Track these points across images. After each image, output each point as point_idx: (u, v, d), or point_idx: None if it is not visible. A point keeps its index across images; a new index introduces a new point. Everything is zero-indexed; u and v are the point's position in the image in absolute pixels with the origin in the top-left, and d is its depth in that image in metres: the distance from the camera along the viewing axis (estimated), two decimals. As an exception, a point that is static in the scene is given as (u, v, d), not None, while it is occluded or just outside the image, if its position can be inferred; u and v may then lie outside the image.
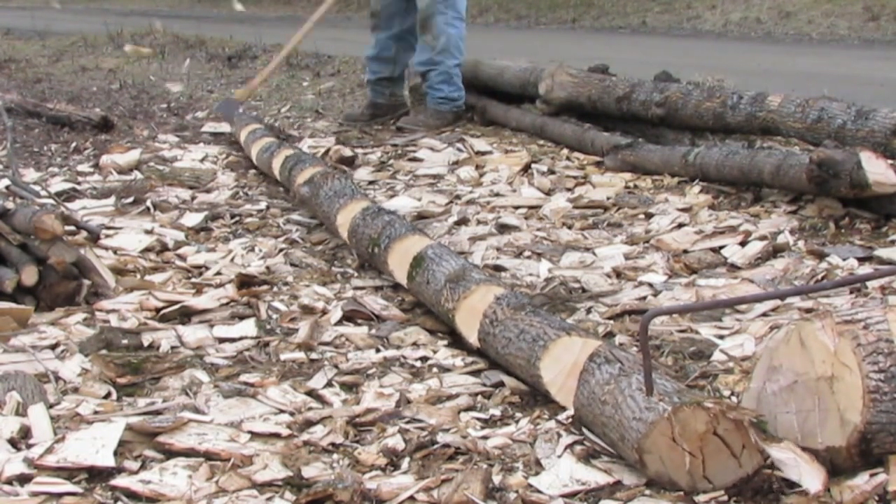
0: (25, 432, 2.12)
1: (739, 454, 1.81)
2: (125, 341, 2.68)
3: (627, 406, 1.88)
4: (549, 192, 4.32)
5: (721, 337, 2.58)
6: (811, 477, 1.73)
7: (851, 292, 2.78)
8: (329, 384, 2.44)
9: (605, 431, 1.96)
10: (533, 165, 4.72)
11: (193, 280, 3.32)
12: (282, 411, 2.27)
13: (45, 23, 13.79)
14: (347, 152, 5.18)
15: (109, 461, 1.98)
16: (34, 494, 1.88)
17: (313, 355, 2.64)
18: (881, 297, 2.70)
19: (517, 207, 4.10)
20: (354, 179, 4.54)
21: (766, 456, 1.79)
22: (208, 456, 2.03)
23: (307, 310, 2.97)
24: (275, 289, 3.17)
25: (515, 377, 2.38)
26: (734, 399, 2.13)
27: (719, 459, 1.80)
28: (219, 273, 3.37)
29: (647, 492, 1.84)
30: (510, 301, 2.47)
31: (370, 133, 5.88)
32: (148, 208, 4.21)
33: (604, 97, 5.04)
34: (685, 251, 3.37)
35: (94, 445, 2.01)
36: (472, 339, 2.53)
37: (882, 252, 3.13)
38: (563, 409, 2.16)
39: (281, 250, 3.63)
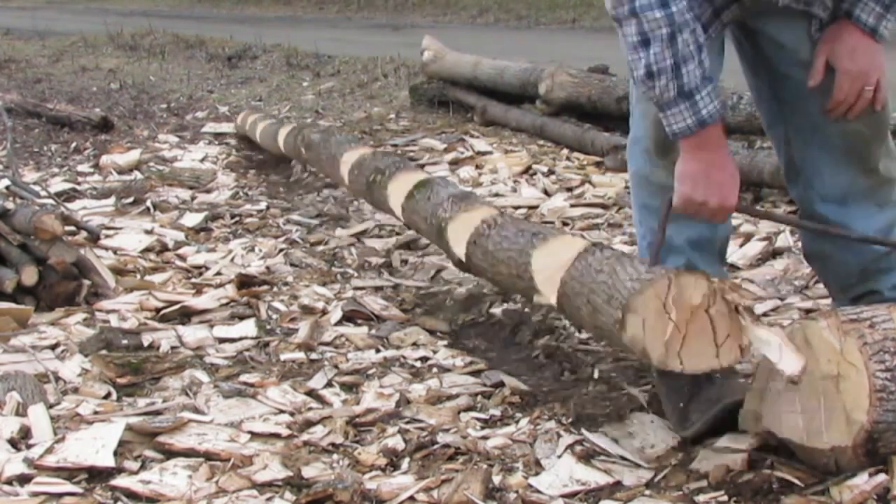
0: (25, 432, 2.12)
1: (721, 343, 1.76)
2: (125, 341, 2.68)
3: (625, 271, 1.82)
4: (549, 192, 4.31)
5: (721, 337, 2.57)
6: (790, 361, 1.70)
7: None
8: (329, 384, 2.44)
9: (590, 299, 1.87)
10: (533, 166, 4.71)
11: (193, 280, 3.32)
12: (282, 411, 2.26)
13: (45, 23, 13.80)
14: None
15: (109, 461, 1.97)
16: (34, 494, 1.88)
17: (313, 355, 2.63)
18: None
19: (517, 207, 4.09)
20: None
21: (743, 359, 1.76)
22: (208, 456, 2.03)
23: (307, 310, 2.97)
24: (275, 289, 3.17)
25: (494, 282, 2.29)
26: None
27: (700, 342, 1.75)
28: (219, 273, 3.37)
29: (647, 492, 1.84)
30: (514, 218, 2.44)
31: (370, 133, 5.88)
32: (148, 208, 4.21)
33: (604, 97, 5.04)
34: (685, 251, 3.36)
35: (94, 445, 2.01)
36: (460, 248, 2.46)
37: (882, 252, 3.12)
38: (561, 404, 2.16)
39: (281, 250, 3.63)
